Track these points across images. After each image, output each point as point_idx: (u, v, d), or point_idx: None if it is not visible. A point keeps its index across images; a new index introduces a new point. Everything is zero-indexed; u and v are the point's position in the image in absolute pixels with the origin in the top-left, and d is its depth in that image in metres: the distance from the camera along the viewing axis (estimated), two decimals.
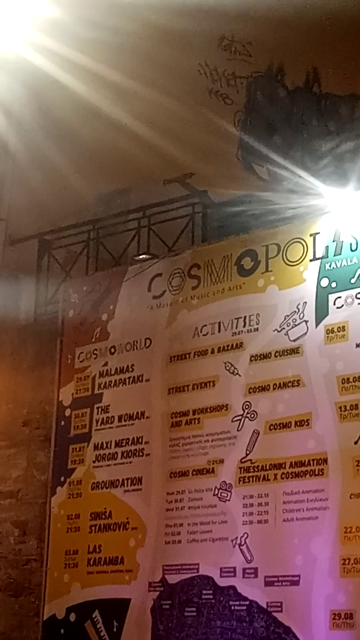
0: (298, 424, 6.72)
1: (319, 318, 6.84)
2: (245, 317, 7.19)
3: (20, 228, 8.75)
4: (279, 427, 6.81)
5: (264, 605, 6.52)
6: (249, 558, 6.68)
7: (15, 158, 8.40)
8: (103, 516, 7.49)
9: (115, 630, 7.16)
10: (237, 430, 6.98)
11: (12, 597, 8.02)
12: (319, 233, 7.01)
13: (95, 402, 7.84)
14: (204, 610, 6.79)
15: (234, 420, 7.01)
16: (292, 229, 7.17)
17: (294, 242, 7.12)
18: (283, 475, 6.69)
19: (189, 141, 7.66)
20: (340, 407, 6.56)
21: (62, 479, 7.82)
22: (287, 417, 6.77)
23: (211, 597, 6.77)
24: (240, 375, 7.10)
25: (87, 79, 7.39)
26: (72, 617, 7.43)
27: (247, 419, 6.96)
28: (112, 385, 7.80)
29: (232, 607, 6.66)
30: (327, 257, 6.95)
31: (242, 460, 6.89)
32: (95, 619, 7.31)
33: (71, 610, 7.45)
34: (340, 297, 6.80)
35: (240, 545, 6.74)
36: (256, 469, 6.82)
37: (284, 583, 6.47)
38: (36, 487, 8.14)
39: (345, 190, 6.98)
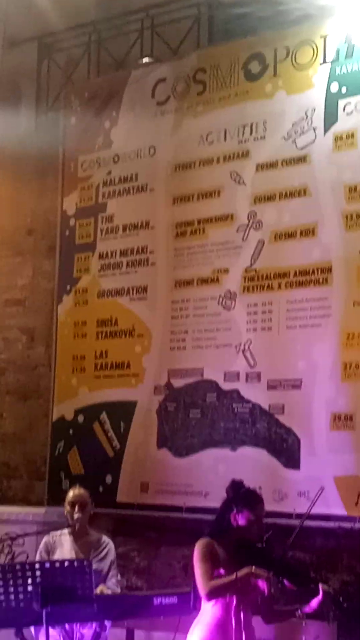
0: (303, 233, 6.72)
1: (328, 125, 6.68)
2: (252, 125, 7.02)
3: (19, 31, 8.37)
4: (284, 237, 6.81)
5: (266, 408, 6.74)
6: (252, 363, 6.85)
7: None
8: (109, 323, 7.63)
9: (122, 430, 7.44)
10: (242, 239, 6.98)
11: (22, 400, 8.29)
12: (330, 35, 6.74)
13: (100, 211, 7.79)
14: (208, 412, 7.04)
15: (239, 229, 7.00)
16: (302, 31, 6.88)
17: (304, 44, 6.86)
18: (287, 284, 6.75)
19: None
20: (347, 216, 6.53)
21: (68, 287, 7.90)
22: (293, 227, 6.76)
23: (215, 399, 7.00)
24: (245, 185, 7.01)
25: None
26: (80, 418, 7.69)
27: (252, 228, 6.95)
28: (116, 194, 7.73)
29: (236, 409, 6.89)
30: (338, 60, 6.71)
31: (247, 270, 6.94)
32: (102, 421, 7.57)
33: (79, 412, 7.70)
34: (350, 103, 6.60)
35: (243, 351, 6.89)
36: (261, 278, 6.88)
37: (286, 387, 6.67)
38: (42, 295, 8.24)
39: None
